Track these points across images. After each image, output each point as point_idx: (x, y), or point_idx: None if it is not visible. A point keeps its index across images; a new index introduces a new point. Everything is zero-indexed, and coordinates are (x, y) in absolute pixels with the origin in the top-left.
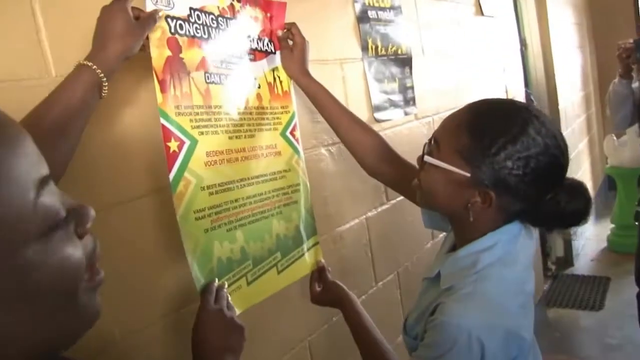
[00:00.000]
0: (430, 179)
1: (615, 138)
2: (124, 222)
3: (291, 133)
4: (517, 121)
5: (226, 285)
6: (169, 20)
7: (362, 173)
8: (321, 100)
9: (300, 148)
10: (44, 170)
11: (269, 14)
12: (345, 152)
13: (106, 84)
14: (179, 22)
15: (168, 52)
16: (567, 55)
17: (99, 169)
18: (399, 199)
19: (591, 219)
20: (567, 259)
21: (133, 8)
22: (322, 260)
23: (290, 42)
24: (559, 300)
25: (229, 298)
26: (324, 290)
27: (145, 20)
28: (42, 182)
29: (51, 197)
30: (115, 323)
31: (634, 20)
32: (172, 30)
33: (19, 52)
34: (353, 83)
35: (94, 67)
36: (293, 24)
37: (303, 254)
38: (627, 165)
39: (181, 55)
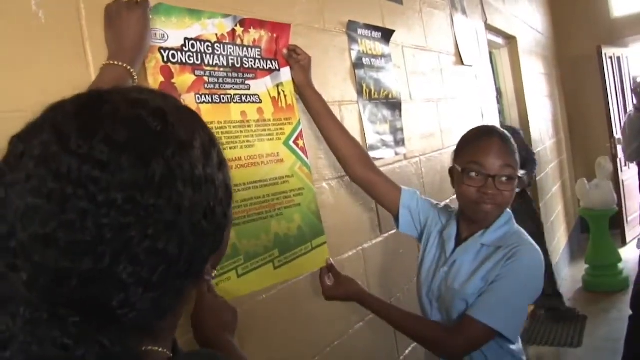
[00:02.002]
0: (513, 190)
1: (586, 181)
2: None
3: (294, 142)
4: (505, 128)
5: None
6: (162, 51)
7: (359, 208)
8: (320, 109)
9: (304, 156)
10: None
11: (274, 35)
12: (344, 186)
13: (134, 72)
14: (172, 52)
15: (161, 79)
16: (539, 103)
17: None
18: (391, 232)
19: (566, 260)
20: None
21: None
22: (330, 259)
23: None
24: (538, 338)
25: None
26: (337, 284)
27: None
28: None
29: None
30: None
31: (599, 70)
32: (165, 60)
33: (72, 82)
34: (350, 123)
35: (118, 63)
36: (295, 46)
37: (307, 252)
38: (598, 207)
39: (173, 81)
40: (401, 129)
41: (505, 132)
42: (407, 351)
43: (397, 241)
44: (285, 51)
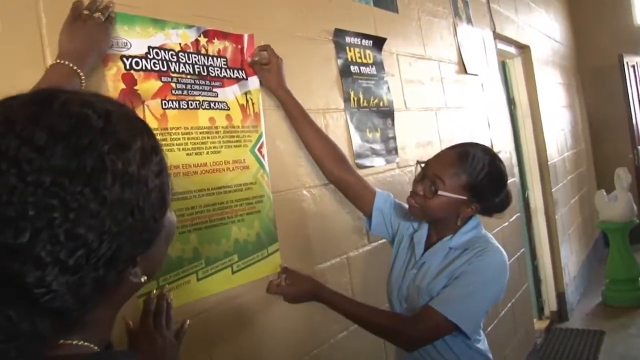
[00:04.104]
0: (438, 203)
1: (605, 193)
2: None
3: (259, 150)
4: (488, 158)
5: (167, 291)
6: (124, 59)
7: (345, 216)
8: (293, 112)
9: (265, 164)
10: None
11: (239, 46)
12: (328, 194)
13: (82, 74)
14: (135, 59)
15: (122, 86)
16: (556, 114)
17: None
18: (380, 241)
19: (586, 274)
20: (562, 314)
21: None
22: (283, 264)
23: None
24: (552, 354)
25: (170, 300)
26: (294, 283)
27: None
28: None
29: None
30: None
31: (621, 79)
32: (127, 67)
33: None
34: (335, 131)
35: (66, 62)
36: (267, 46)
37: (263, 258)
38: (617, 220)
39: (136, 87)
40: (393, 138)
41: (476, 154)
42: None
43: (386, 250)
44: (249, 59)
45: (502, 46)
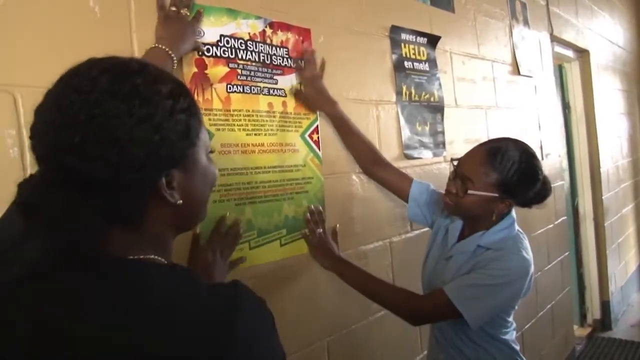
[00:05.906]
0: (470, 202)
1: None
2: None
3: (309, 135)
4: (518, 153)
5: (239, 223)
6: None
7: (390, 202)
8: (336, 122)
9: (316, 149)
10: None
11: (300, 37)
12: (373, 181)
13: (175, 58)
14: (207, 46)
15: (194, 69)
16: (613, 120)
17: None
18: (423, 230)
19: (635, 285)
20: (605, 323)
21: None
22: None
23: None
24: None
25: (240, 232)
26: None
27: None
28: None
29: None
30: None
31: None
32: (200, 53)
33: None
34: (386, 122)
35: (162, 46)
36: (307, 60)
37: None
38: None
39: (206, 72)
40: (442, 132)
41: (507, 150)
42: None
43: (427, 238)
44: (291, 60)
45: (560, 49)
